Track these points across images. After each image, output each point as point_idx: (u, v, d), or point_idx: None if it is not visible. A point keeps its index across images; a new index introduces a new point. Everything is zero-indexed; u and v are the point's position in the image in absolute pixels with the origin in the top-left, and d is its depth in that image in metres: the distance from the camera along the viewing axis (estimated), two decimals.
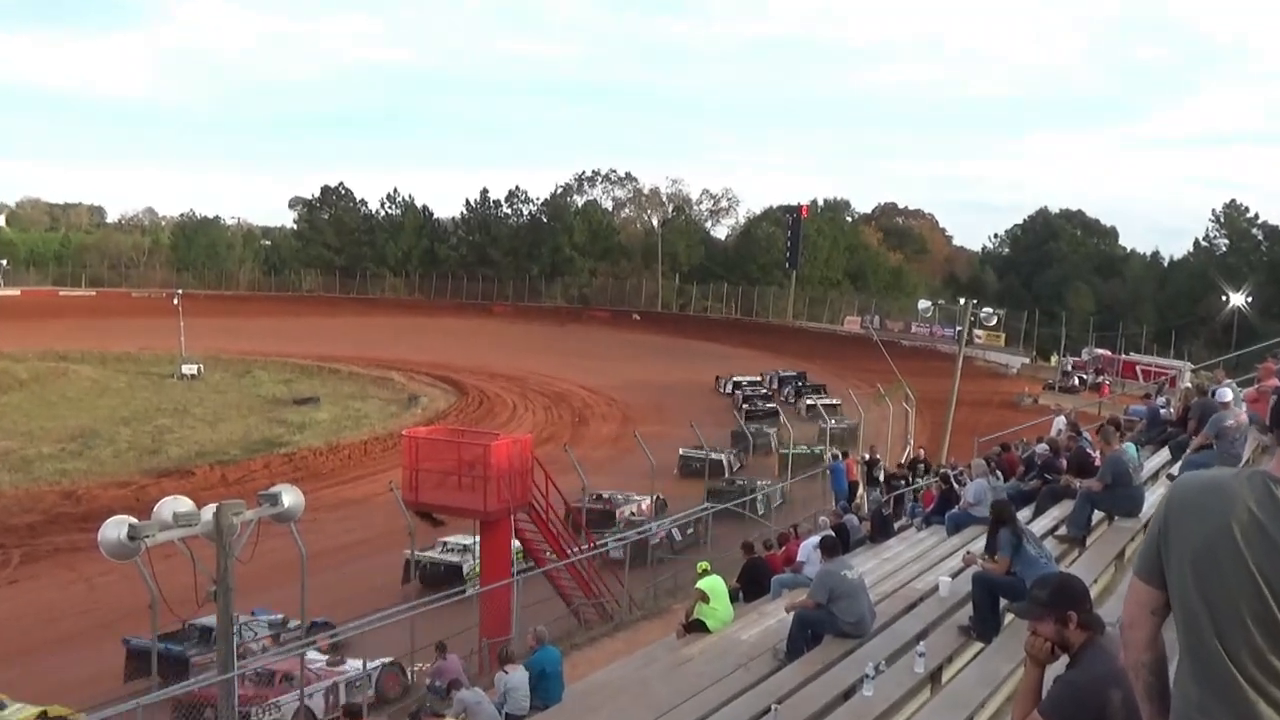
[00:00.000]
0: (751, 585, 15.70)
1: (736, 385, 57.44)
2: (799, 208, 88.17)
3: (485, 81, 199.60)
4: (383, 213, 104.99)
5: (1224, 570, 2.53)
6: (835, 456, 28.70)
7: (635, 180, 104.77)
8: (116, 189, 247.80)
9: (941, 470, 20.68)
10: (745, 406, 51.11)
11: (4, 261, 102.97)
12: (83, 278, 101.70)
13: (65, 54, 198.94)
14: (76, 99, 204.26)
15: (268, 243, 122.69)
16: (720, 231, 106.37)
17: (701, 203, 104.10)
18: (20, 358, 64.18)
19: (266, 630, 20.64)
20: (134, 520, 10.43)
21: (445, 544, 25.97)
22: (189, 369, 60.65)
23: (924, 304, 59.14)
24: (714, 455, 36.01)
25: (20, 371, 59.38)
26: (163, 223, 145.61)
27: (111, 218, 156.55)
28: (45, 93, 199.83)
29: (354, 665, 17.89)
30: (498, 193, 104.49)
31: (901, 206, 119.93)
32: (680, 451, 37.11)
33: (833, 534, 14.19)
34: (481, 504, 20.48)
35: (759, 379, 59.53)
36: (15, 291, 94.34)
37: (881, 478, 26.47)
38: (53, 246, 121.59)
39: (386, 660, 18.12)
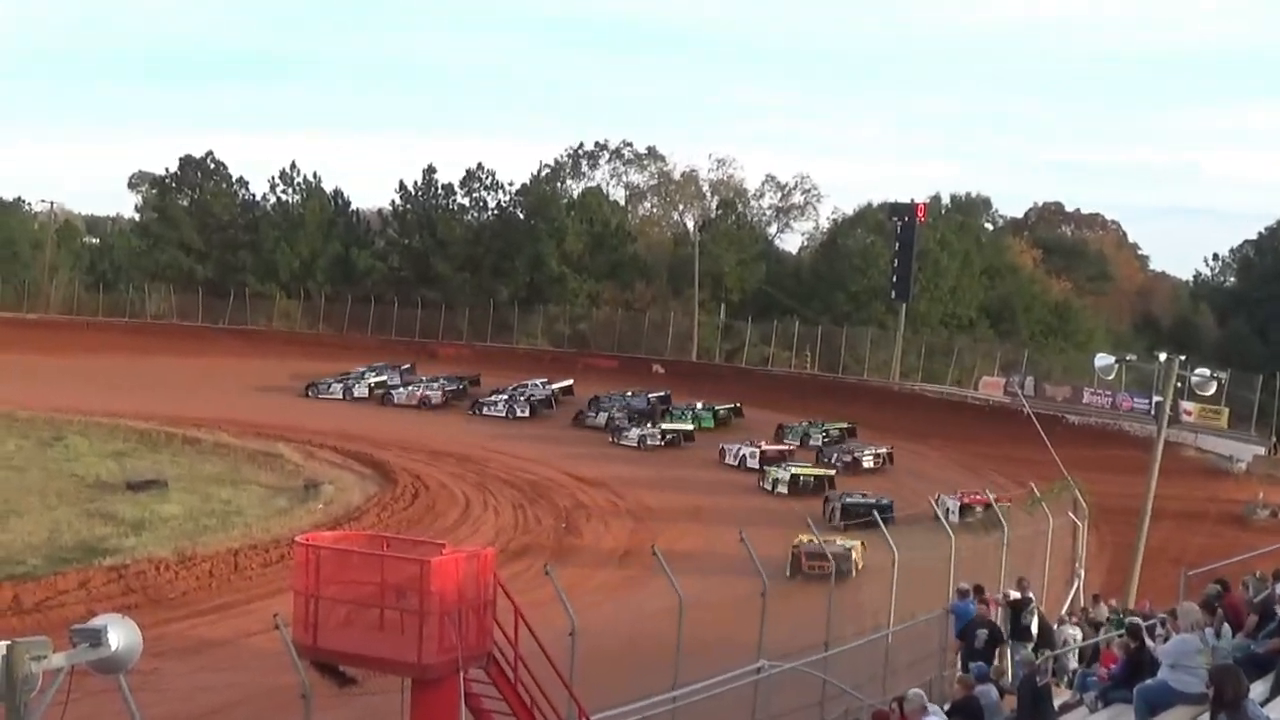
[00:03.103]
0: None
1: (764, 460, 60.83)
2: (913, 207, 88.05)
3: (433, 3, 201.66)
4: (272, 199, 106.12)
5: None
6: (962, 594, 28.47)
7: (661, 159, 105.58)
8: None
9: (1129, 619, 20.53)
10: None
11: None
12: None
13: None
14: None
15: (94, 240, 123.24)
16: (791, 241, 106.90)
17: (763, 196, 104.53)
18: None
19: None
20: None
21: None
22: None
23: (1103, 360, 58.66)
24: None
25: None
26: None
27: None
28: None
29: None
30: (449, 174, 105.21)
31: (1071, 209, 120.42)
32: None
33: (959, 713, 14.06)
34: (415, 654, 20.33)
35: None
36: None
37: (1035, 627, 26.21)
38: None
39: None
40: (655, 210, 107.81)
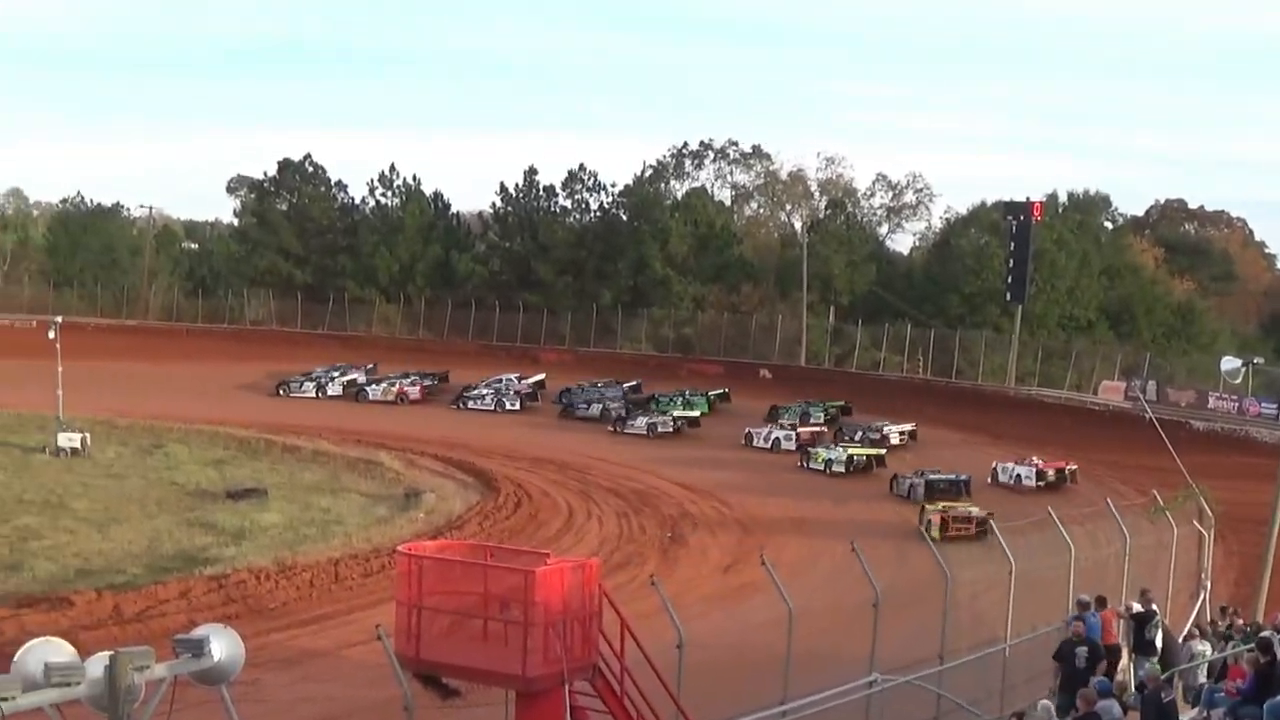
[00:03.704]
0: None
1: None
2: (1029, 205, 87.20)
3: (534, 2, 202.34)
4: (372, 203, 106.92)
5: None
6: (1083, 605, 28.20)
7: (768, 159, 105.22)
8: None
9: (1262, 633, 20.24)
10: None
11: None
12: None
13: None
14: None
15: (193, 246, 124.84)
16: (903, 242, 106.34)
17: (873, 195, 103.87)
18: None
19: None
20: None
21: None
22: (69, 440, 61.70)
23: (1230, 363, 57.94)
24: None
25: None
26: (35, 212, 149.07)
27: None
28: None
29: None
30: (551, 175, 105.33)
31: (1194, 207, 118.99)
32: None
33: None
34: (519, 666, 20.39)
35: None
36: None
37: (1159, 641, 25.93)
38: None
39: None
40: (762, 211, 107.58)
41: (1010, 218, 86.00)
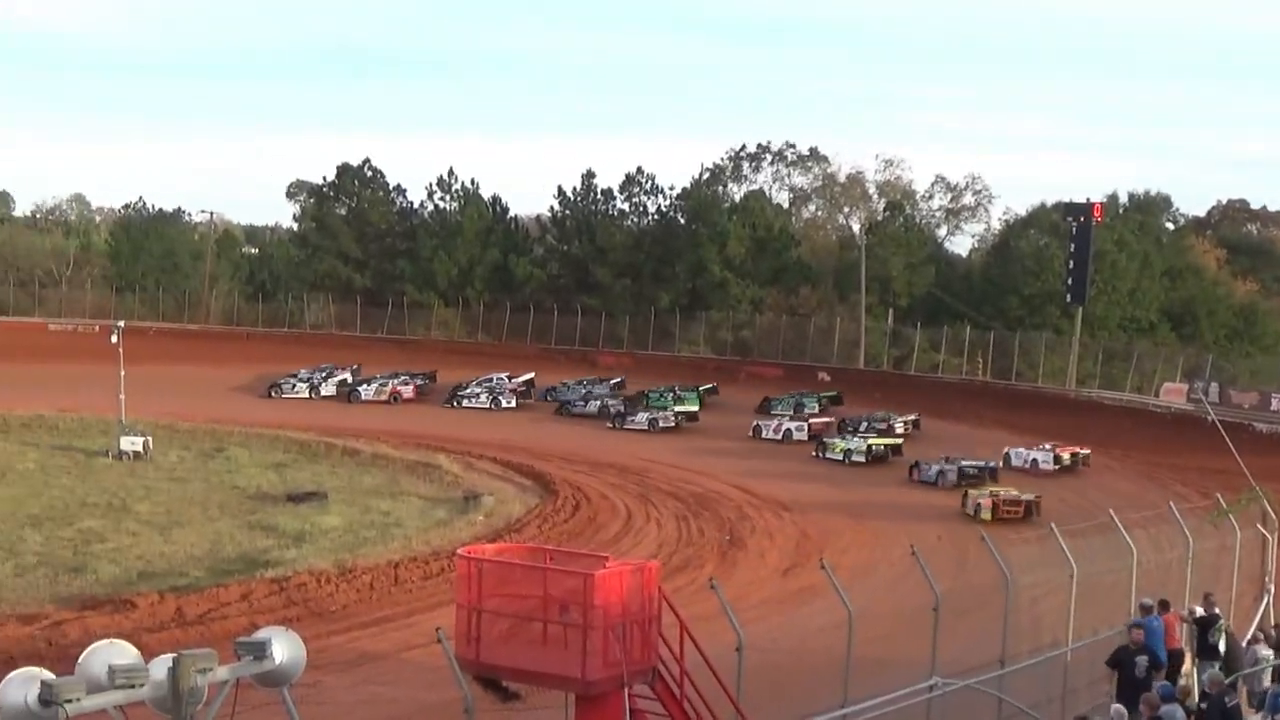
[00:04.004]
0: None
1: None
2: (1089, 206, 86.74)
3: (593, 3, 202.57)
4: (430, 207, 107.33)
5: None
6: (1145, 608, 28.05)
7: (825, 161, 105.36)
8: (28, 166, 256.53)
9: None
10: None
11: None
12: None
13: None
14: None
15: (253, 251, 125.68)
16: (962, 244, 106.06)
17: (932, 197, 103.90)
18: None
19: None
20: (49, 675, 10.47)
21: None
22: (131, 443, 62.23)
23: None
24: None
25: None
26: (98, 217, 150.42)
27: (21, 209, 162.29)
28: None
29: None
30: (609, 179, 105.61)
31: (1257, 207, 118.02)
32: None
33: None
34: (578, 669, 20.40)
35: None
36: None
37: (1222, 645, 25.73)
38: None
39: None
40: (820, 213, 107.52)
41: (1070, 219, 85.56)
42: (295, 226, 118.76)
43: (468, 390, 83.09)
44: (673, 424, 74.96)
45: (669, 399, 79.00)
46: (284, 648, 12.03)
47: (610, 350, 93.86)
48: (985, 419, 72.70)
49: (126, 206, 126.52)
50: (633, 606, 20.82)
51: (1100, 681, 28.35)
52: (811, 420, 72.80)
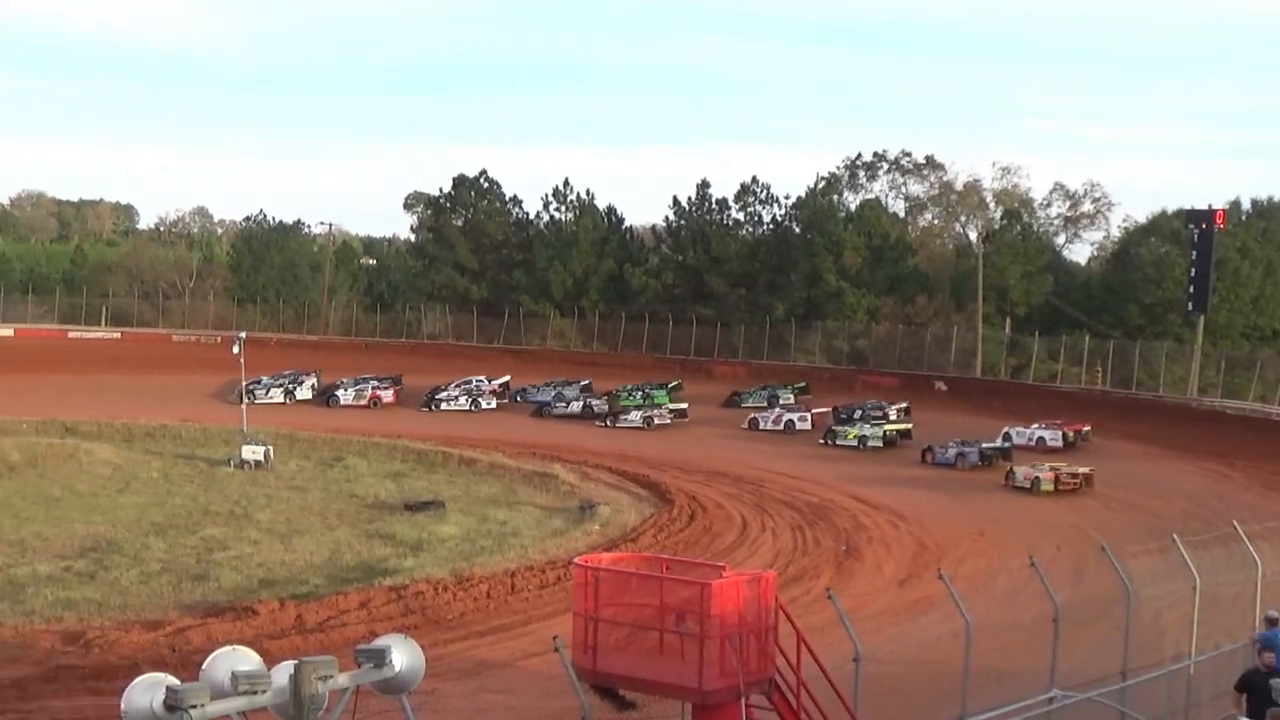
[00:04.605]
0: None
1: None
2: (1211, 213, 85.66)
3: (709, 13, 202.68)
4: (546, 218, 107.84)
5: None
6: (1270, 621, 27.56)
7: (941, 169, 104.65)
8: (153, 180, 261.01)
9: None
10: None
11: None
12: (103, 311, 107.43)
13: None
14: (95, 47, 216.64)
15: (371, 262, 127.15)
16: (1080, 252, 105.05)
17: (1050, 205, 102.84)
18: (11, 429, 67.82)
19: None
20: (174, 681, 10.59)
21: None
22: (252, 453, 63.01)
23: None
24: None
25: (9, 451, 62.68)
26: (219, 229, 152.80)
27: (146, 221, 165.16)
28: (49, 40, 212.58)
29: None
30: (724, 188, 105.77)
31: None
32: None
33: None
34: (695, 678, 20.36)
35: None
36: (7, 331, 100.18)
37: None
38: (61, 264, 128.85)
39: None
40: (936, 222, 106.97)
41: (1192, 226, 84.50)
42: (413, 238, 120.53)
43: (445, 393, 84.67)
44: (668, 421, 78.03)
45: (638, 397, 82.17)
46: (403, 655, 12.11)
47: (725, 360, 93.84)
48: (1104, 428, 71.94)
49: (248, 219, 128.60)
50: (749, 616, 20.76)
51: (1224, 695, 27.92)
52: (814, 411, 77.16)
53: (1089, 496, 58.31)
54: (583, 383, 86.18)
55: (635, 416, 78.46)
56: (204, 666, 11.07)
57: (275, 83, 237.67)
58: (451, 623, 39.09)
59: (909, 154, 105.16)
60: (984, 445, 65.73)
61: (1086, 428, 70.87)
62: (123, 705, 10.80)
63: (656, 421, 77.60)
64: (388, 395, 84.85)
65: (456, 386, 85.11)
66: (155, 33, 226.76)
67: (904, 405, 77.38)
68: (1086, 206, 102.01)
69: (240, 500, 55.29)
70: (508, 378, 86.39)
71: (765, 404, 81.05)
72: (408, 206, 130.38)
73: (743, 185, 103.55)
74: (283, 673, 11.19)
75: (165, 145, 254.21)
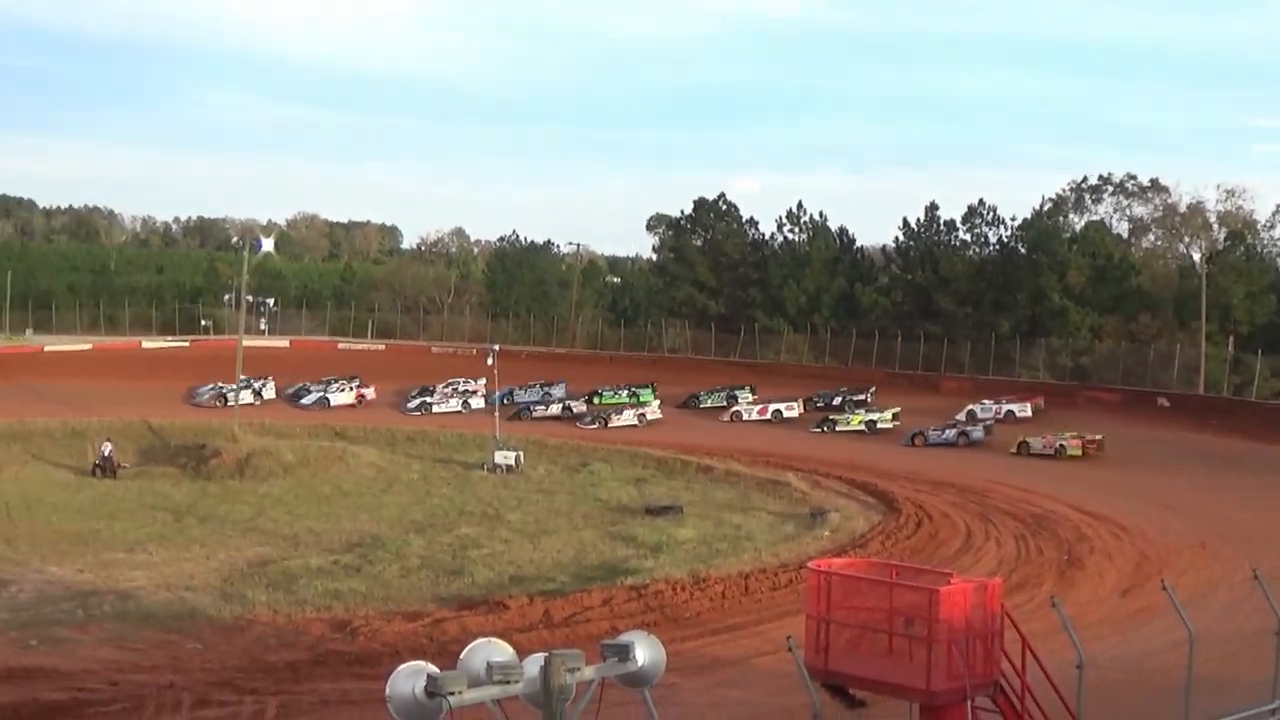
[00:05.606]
0: None
1: None
2: None
3: (936, 38, 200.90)
4: (780, 239, 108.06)
5: None
6: None
7: (1165, 192, 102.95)
8: (416, 203, 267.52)
9: None
10: None
11: (270, 301, 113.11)
12: (369, 324, 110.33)
13: (329, 17, 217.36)
14: (359, 82, 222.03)
15: (616, 280, 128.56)
16: None
17: (1274, 227, 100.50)
18: (286, 433, 69.99)
19: None
20: (434, 669, 10.83)
21: None
22: (504, 458, 64.23)
23: None
24: None
25: (285, 452, 64.87)
26: (475, 249, 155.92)
27: (408, 242, 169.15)
28: (313, 72, 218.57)
29: None
30: (951, 210, 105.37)
31: None
32: None
33: None
34: (923, 680, 20.18)
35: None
36: (283, 342, 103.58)
37: None
38: (331, 280, 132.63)
39: None
40: (1159, 243, 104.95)
41: None
42: (654, 257, 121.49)
43: (435, 395, 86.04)
44: (659, 416, 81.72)
45: (623, 396, 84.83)
46: (645, 651, 12.23)
47: (952, 375, 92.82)
48: None
49: (501, 239, 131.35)
50: (975, 621, 20.56)
51: None
52: (801, 400, 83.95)
53: None
54: (558, 384, 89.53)
55: (628, 415, 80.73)
56: (461, 656, 11.31)
57: (527, 114, 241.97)
58: (688, 621, 39.18)
59: (1134, 177, 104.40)
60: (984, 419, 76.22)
61: (1039, 401, 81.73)
62: (388, 690, 11.11)
63: (649, 418, 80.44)
64: (370, 393, 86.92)
65: (447, 386, 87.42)
66: (417, 66, 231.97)
67: (873, 389, 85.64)
68: None
69: (493, 502, 56.38)
70: (483, 380, 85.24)
71: (725, 403, 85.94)
72: (650, 228, 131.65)
73: (970, 207, 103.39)
74: (534, 664, 11.39)
75: (426, 172, 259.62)
